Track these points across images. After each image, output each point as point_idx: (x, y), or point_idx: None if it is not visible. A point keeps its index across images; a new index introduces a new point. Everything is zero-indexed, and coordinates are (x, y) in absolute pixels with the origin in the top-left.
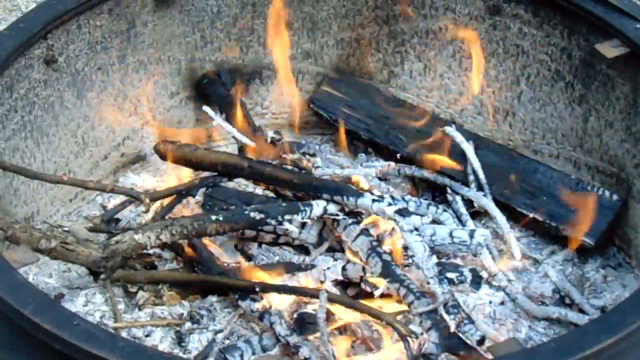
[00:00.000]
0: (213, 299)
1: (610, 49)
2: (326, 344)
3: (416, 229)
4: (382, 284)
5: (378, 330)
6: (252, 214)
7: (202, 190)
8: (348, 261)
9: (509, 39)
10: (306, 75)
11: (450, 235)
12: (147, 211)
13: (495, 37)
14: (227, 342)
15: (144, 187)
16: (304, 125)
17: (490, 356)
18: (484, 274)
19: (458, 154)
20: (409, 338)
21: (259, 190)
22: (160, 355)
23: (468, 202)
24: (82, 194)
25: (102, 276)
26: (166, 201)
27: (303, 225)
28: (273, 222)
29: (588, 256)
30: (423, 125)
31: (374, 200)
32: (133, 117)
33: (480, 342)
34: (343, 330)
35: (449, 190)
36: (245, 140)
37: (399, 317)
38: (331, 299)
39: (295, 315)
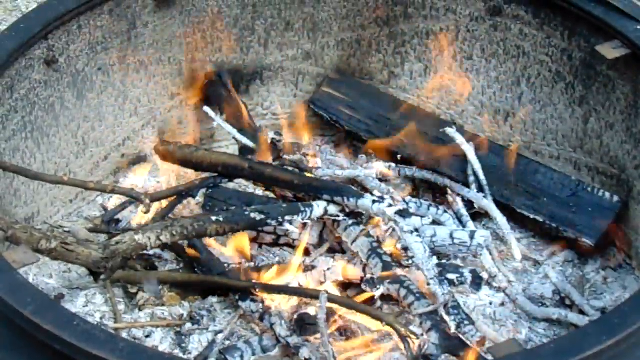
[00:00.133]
0: (213, 299)
1: (610, 50)
2: (326, 345)
3: (416, 230)
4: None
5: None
6: (252, 215)
7: (203, 191)
8: (348, 262)
9: (510, 40)
10: (307, 76)
11: (451, 236)
12: (147, 212)
13: (496, 38)
14: (227, 342)
15: (144, 187)
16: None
17: (490, 357)
18: (485, 275)
19: (458, 155)
20: (409, 339)
21: (260, 191)
22: (161, 356)
23: (468, 203)
24: (83, 194)
25: (103, 277)
26: (166, 202)
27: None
28: (273, 223)
29: (588, 257)
30: (423, 126)
31: (374, 201)
32: (133, 118)
33: (481, 343)
34: (343, 331)
35: (449, 192)
36: (245, 141)
37: (399, 318)
38: (331, 300)
39: (295, 316)
